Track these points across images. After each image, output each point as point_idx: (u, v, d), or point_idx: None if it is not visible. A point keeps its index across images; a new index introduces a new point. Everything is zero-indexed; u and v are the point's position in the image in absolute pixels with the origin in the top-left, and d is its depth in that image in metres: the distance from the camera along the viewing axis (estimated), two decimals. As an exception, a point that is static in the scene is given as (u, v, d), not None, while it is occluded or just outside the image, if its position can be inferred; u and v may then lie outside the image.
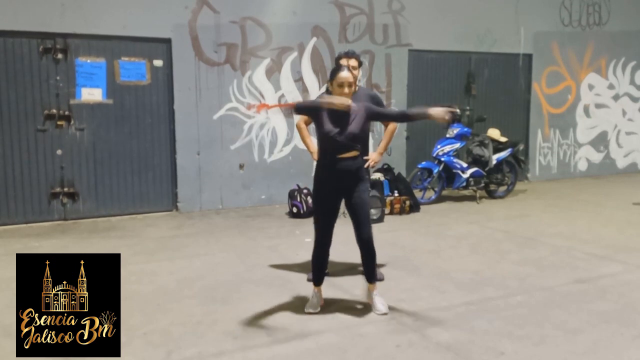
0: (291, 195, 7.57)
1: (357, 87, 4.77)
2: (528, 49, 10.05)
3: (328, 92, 4.77)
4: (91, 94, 7.13)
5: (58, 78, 6.94)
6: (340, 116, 3.87)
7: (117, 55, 7.20)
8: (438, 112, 3.85)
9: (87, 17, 6.96)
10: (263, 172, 8.14)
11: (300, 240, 6.23)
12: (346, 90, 3.88)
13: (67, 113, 7.00)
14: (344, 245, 5.50)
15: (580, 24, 10.56)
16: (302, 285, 4.72)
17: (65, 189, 7.10)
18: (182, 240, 6.26)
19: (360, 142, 4.01)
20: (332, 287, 4.60)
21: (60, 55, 6.92)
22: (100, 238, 6.35)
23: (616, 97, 11.18)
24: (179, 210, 7.70)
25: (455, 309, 4.16)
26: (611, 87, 11.09)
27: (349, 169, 3.93)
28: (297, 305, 4.23)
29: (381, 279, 4.78)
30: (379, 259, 5.01)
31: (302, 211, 7.39)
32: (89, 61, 7.07)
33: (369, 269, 4.13)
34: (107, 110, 7.22)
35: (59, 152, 7.04)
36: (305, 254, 5.46)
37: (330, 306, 4.21)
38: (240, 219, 7.33)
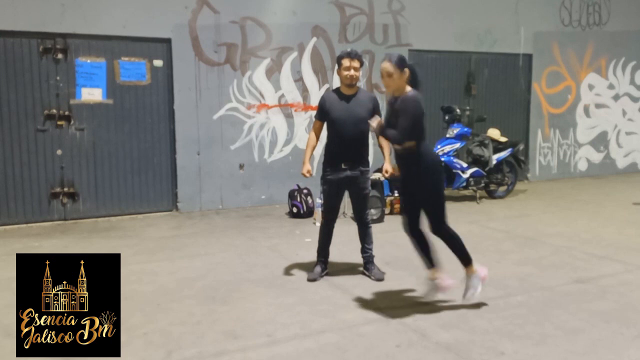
0: (291, 195, 7.57)
1: (357, 88, 4.79)
2: (528, 49, 10.05)
3: (336, 90, 4.81)
4: (91, 94, 7.13)
5: (58, 78, 6.94)
6: (392, 108, 4.06)
7: (117, 55, 7.20)
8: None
9: (87, 17, 6.96)
10: (263, 172, 8.14)
11: (300, 240, 6.23)
12: (385, 80, 4.01)
13: (67, 113, 7.00)
14: (344, 245, 5.52)
15: (580, 24, 10.56)
16: (302, 285, 4.72)
17: (66, 189, 7.10)
18: (182, 240, 6.26)
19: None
20: (333, 287, 4.61)
21: (60, 55, 6.92)
22: (101, 238, 6.35)
23: (616, 97, 11.18)
24: (179, 210, 7.70)
25: (456, 308, 4.16)
26: (611, 87, 11.09)
27: (405, 161, 4.13)
28: (298, 304, 4.23)
29: (381, 279, 4.79)
30: (380, 259, 5.04)
31: (302, 211, 7.39)
32: (89, 61, 7.07)
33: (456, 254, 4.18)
34: (107, 110, 7.22)
35: (59, 152, 7.04)
36: (306, 253, 5.48)
37: (330, 306, 4.21)
38: (240, 219, 7.33)
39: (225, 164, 7.90)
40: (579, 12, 10.52)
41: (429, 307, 4.19)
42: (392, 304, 4.24)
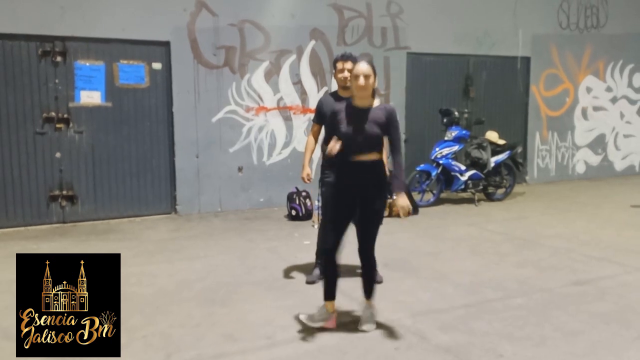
0: (290, 198, 7.57)
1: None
2: (526, 52, 10.07)
3: (334, 93, 4.82)
4: (90, 97, 7.13)
5: (57, 81, 6.94)
6: (359, 117, 3.75)
7: (116, 58, 7.21)
8: (403, 202, 3.76)
9: (86, 20, 6.97)
10: (262, 175, 8.14)
11: (299, 242, 6.23)
12: (362, 81, 3.70)
13: (65, 116, 7.00)
14: (343, 247, 5.51)
15: (578, 26, 10.59)
16: (301, 287, 4.73)
17: (64, 192, 7.09)
18: (181, 242, 6.26)
19: (379, 145, 3.80)
20: (332, 289, 4.60)
21: (59, 58, 6.92)
22: (99, 241, 6.34)
23: (614, 100, 11.20)
24: (177, 213, 7.70)
25: (455, 311, 4.17)
26: (609, 89, 11.11)
27: (366, 173, 3.77)
28: (297, 307, 4.23)
29: (380, 282, 4.78)
30: (379, 261, 5.01)
31: (300, 214, 7.40)
32: (87, 64, 7.08)
33: (366, 283, 3.96)
34: (105, 113, 7.22)
35: (57, 154, 7.03)
36: (305, 256, 5.48)
37: (329, 308, 4.21)
38: (239, 222, 7.33)
39: (224, 167, 7.90)
40: (577, 14, 10.55)
41: (428, 309, 4.20)
42: (392, 306, 4.24)
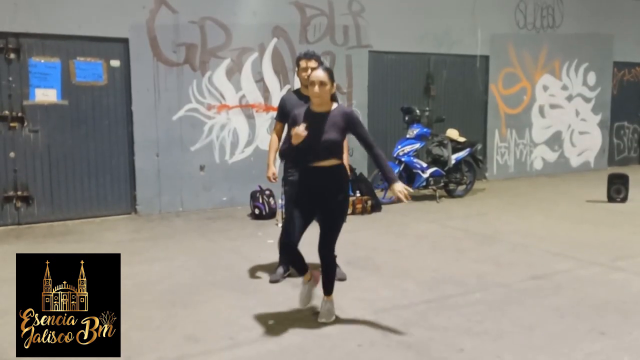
0: (253, 197, 7.53)
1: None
2: (485, 51, 10.25)
3: (296, 91, 4.82)
4: (45, 95, 6.94)
5: (10, 79, 6.73)
6: (317, 123, 3.76)
7: (72, 55, 7.03)
8: (398, 187, 3.75)
9: (41, 16, 6.77)
10: (224, 174, 8.07)
11: (262, 241, 6.20)
12: (317, 89, 3.72)
13: (20, 114, 6.80)
14: (306, 245, 5.51)
15: (534, 26, 10.83)
16: (265, 286, 4.71)
17: (19, 193, 6.89)
18: (141, 244, 6.16)
19: (337, 151, 3.85)
20: (295, 288, 4.59)
21: (12, 55, 6.71)
22: (56, 243, 6.19)
23: (570, 98, 11.51)
24: (137, 213, 7.57)
25: (416, 307, 4.22)
26: (565, 88, 11.41)
27: (326, 178, 3.82)
28: (260, 306, 4.22)
29: (343, 279, 4.81)
30: (341, 259, 5.04)
31: (264, 212, 7.37)
32: (42, 61, 6.88)
33: (326, 281, 3.99)
34: (62, 112, 7.04)
35: (12, 154, 6.82)
36: (268, 255, 5.46)
37: (292, 307, 4.21)
38: (201, 222, 7.25)
39: (185, 166, 7.80)
40: (534, 15, 10.79)
41: (390, 306, 4.24)
42: (354, 304, 4.26)
